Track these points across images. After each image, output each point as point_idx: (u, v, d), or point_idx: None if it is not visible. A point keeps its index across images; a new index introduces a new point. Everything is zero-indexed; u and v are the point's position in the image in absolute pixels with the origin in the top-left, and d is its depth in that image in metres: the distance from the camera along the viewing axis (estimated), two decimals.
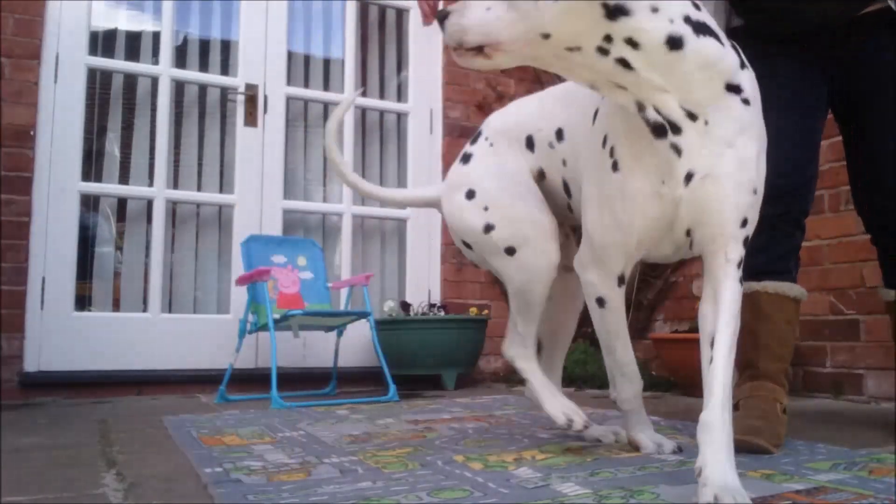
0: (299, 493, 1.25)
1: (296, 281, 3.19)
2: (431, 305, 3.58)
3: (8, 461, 1.60)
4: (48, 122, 3.13)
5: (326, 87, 3.97)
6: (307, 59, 3.95)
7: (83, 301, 3.32)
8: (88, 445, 1.82)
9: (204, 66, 3.71)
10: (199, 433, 1.96)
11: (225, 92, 3.66)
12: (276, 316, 2.86)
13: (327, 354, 3.33)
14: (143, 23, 3.63)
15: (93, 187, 3.35)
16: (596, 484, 1.29)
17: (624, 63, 1.17)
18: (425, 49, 4.01)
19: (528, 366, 1.74)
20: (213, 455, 1.63)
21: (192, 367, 3.27)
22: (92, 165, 3.45)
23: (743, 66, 1.29)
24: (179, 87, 3.61)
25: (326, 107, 3.94)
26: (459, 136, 3.89)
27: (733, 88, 1.25)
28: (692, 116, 1.23)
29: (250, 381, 3.18)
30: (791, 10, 1.79)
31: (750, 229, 1.32)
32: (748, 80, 1.29)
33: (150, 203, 3.41)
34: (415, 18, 4.02)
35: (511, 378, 3.71)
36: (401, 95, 4.10)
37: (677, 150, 1.24)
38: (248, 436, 1.93)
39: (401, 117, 4.06)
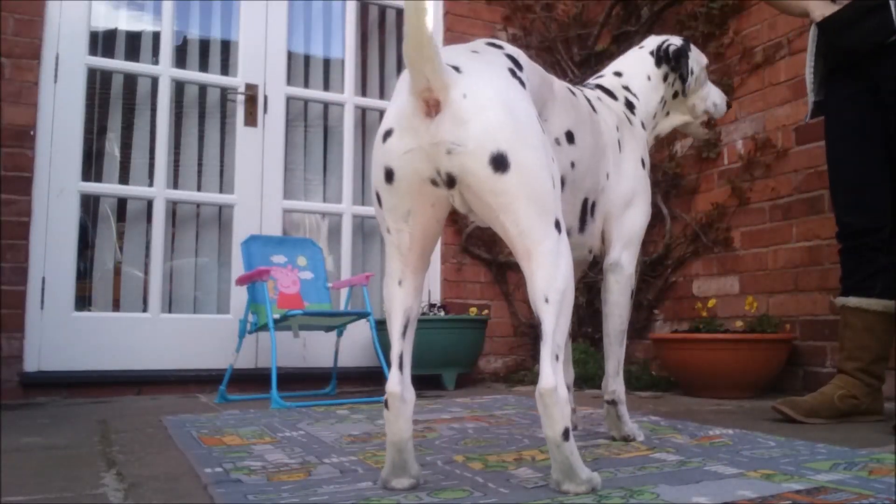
0: (299, 493, 1.25)
1: (296, 281, 3.19)
2: (431, 305, 3.58)
3: (8, 461, 1.60)
4: (48, 122, 3.13)
5: (326, 87, 3.97)
6: (307, 59, 3.95)
7: (83, 301, 3.32)
8: (88, 445, 1.82)
9: (204, 66, 3.71)
10: (199, 433, 1.96)
11: (225, 92, 3.66)
12: (276, 316, 2.85)
13: (327, 354, 3.33)
14: (143, 23, 3.63)
15: (93, 187, 3.35)
16: None
17: None
18: None
19: None
20: (213, 455, 1.63)
21: (192, 367, 3.27)
22: (92, 165, 3.44)
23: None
24: (179, 87, 3.61)
25: (326, 107, 3.95)
26: None
27: None
28: None
29: (250, 381, 3.19)
30: (841, 38, 2.13)
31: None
32: None
33: (150, 203, 3.41)
34: None
35: (511, 378, 3.71)
36: None
37: None
38: (248, 436, 1.93)
39: None
